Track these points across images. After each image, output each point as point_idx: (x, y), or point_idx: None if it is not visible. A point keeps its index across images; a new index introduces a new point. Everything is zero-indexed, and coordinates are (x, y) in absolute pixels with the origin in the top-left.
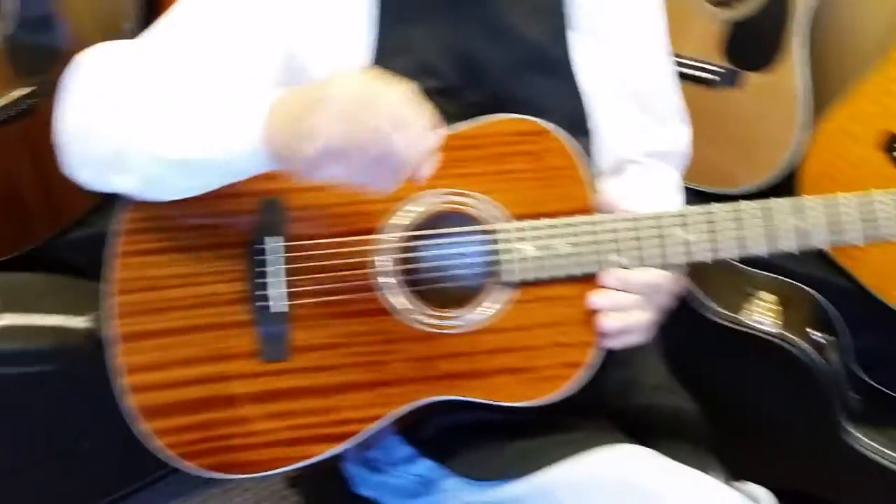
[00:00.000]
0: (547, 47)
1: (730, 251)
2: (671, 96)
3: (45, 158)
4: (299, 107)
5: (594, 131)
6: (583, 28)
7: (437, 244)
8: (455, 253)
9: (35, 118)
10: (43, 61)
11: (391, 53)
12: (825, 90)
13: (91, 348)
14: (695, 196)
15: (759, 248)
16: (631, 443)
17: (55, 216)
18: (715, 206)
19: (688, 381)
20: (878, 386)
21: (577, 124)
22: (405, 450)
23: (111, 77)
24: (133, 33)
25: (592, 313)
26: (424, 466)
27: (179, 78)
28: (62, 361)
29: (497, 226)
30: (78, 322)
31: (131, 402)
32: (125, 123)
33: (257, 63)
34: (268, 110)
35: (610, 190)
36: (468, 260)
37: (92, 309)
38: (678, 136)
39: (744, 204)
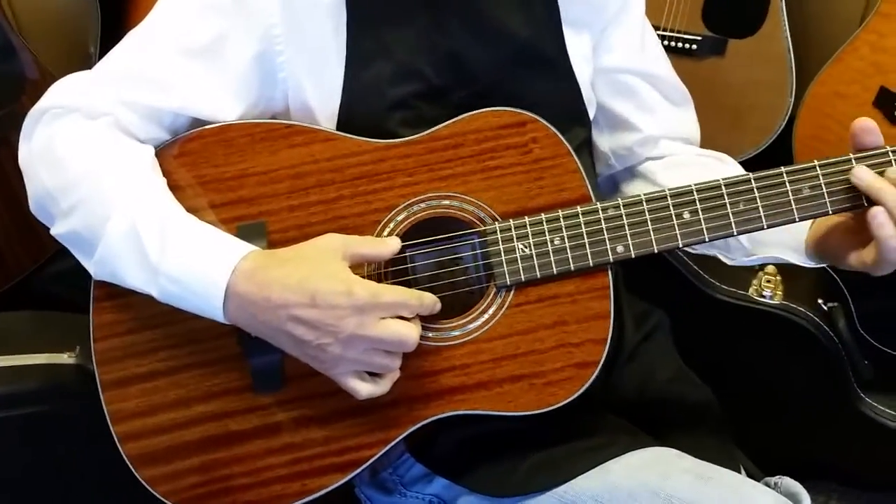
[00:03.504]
0: (538, 42)
1: (729, 228)
2: (674, 77)
3: (15, 189)
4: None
5: (596, 122)
6: (579, 21)
7: (429, 252)
8: (448, 260)
9: (4, 149)
10: (9, 92)
11: (366, 58)
12: (811, 53)
13: (80, 383)
14: None
15: (760, 223)
16: (654, 443)
17: (32, 249)
18: (714, 181)
19: (700, 365)
20: (888, 350)
21: (574, 116)
22: (418, 469)
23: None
24: (98, 57)
25: (598, 308)
26: (439, 486)
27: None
28: (52, 400)
29: (488, 227)
30: (65, 358)
31: (125, 451)
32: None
33: (217, 79)
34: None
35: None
36: (463, 266)
37: (79, 343)
38: (692, 118)
39: (748, 176)
